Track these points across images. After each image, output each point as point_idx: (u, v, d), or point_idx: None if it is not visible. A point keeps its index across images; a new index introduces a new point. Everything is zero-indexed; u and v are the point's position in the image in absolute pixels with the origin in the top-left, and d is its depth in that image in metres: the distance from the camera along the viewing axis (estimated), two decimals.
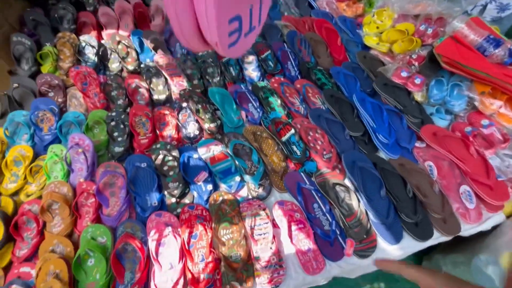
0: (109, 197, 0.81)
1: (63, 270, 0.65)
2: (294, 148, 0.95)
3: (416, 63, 1.10)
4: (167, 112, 1.03)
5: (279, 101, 1.08)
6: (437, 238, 0.80)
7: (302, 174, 0.88)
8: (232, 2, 0.32)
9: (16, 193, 0.83)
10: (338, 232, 0.77)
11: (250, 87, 1.14)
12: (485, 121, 0.92)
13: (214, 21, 0.31)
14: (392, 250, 0.78)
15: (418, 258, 1.17)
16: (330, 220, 0.79)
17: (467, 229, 0.82)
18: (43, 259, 0.67)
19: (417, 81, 1.03)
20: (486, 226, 0.82)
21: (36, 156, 0.91)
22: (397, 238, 0.78)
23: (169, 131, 1.00)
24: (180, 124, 1.01)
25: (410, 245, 0.79)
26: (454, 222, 0.80)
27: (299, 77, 1.20)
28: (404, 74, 1.06)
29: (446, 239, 0.80)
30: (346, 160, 0.89)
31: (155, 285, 0.65)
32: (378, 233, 0.79)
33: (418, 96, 1.05)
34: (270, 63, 1.21)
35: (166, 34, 1.28)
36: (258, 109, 1.07)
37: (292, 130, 0.97)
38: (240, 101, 1.08)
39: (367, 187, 0.84)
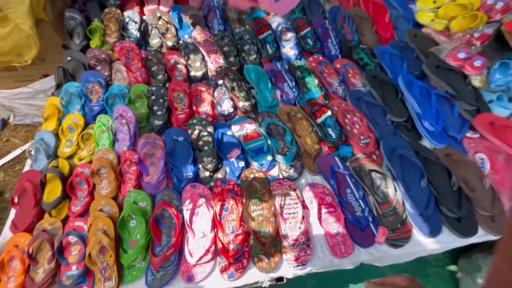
0: (149, 166, 0.87)
1: (109, 227, 0.73)
2: (330, 131, 0.92)
3: (478, 43, 0.97)
4: (203, 89, 1.05)
5: (316, 81, 1.03)
6: (482, 236, 0.74)
7: (336, 157, 0.86)
8: None
9: (70, 157, 0.93)
10: (370, 219, 0.75)
11: (286, 66, 1.11)
12: None
13: None
14: (428, 242, 0.74)
15: (455, 255, 1.10)
16: (363, 206, 0.77)
17: None
18: (93, 217, 0.75)
19: (477, 63, 0.92)
20: None
21: (86, 125, 0.99)
22: (434, 232, 0.74)
23: (205, 107, 1.02)
24: (215, 101, 1.03)
25: (449, 240, 0.74)
26: (503, 221, 0.73)
27: (339, 56, 1.13)
28: (461, 55, 0.94)
29: (492, 238, 0.74)
30: (385, 146, 0.84)
31: (189, 250, 0.70)
32: (414, 224, 0.75)
33: (476, 81, 0.93)
34: (309, 41, 1.15)
35: (204, 10, 1.27)
36: (294, 89, 1.04)
37: (329, 112, 0.94)
38: (276, 80, 1.06)
39: (406, 176, 0.79)
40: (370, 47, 1.11)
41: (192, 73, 1.12)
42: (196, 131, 0.93)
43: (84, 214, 0.80)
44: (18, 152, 1.61)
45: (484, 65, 0.91)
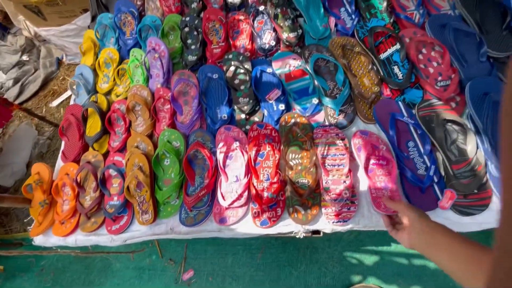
0: (182, 105, 0.82)
1: (145, 164, 0.72)
2: (396, 69, 0.73)
3: None
4: (241, 18, 0.90)
5: (384, 3, 0.80)
6: None
7: (400, 103, 0.69)
8: None
9: (108, 92, 0.92)
10: (435, 179, 0.61)
11: None
12: None
13: None
14: None
15: None
16: (428, 164, 0.62)
17: None
18: (130, 153, 0.75)
19: None
20: None
21: (122, 59, 0.95)
22: None
23: (243, 40, 0.88)
24: (255, 32, 0.88)
25: None
26: None
27: None
28: None
29: None
30: (472, 90, 0.64)
31: (221, 193, 0.67)
32: (496, 191, 0.59)
33: None
34: None
35: None
36: (353, 16, 0.82)
37: (397, 45, 0.73)
38: (330, 5, 0.85)
39: (497, 130, 0.60)
40: None
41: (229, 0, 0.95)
42: (232, 68, 0.82)
43: (122, 149, 0.81)
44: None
45: None
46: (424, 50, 0.72)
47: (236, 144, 0.72)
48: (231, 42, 0.89)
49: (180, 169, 0.72)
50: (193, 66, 0.89)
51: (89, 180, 0.77)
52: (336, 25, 0.83)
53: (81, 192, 0.75)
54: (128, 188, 0.70)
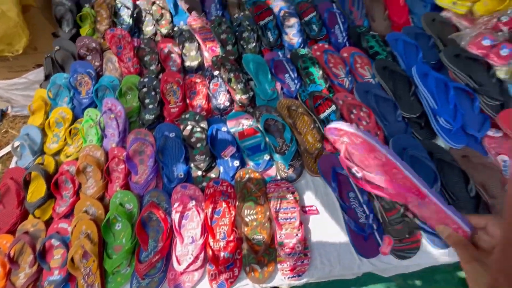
0: (138, 164, 0.82)
1: (93, 231, 0.68)
2: None
3: (506, 28, 0.85)
4: (198, 80, 0.98)
5: (320, 72, 0.94)
6: None
7: (339, 157, 0.78)
8: None
9: (57, 153, 0.88)
10: (375, 227, 0.68)
11: (288, 55, 1.02)
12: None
13: None
14: (438, 254, 0.67)
15: None
16: (367, 212, 0.70)
17: None
18: (77, 218, 0.70)
19: (504, 52, 0.81)
20: None
21: (75, 119, 0.94)
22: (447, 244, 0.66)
23: (199, 100, 0.95)
24: (210, 94, 0.95)
25: None
26: None
27: (347, 44, 1.03)
28: (486, 42, 0.84)
29: None
30: (394, 146, 0.76)
31: (176, 257, 0.65)
32: (424, 234, 0.68)
33: (502, 73, 0.83)
34: (314, 27, 1.05)
35: None
36: (296, 81, 0.95)
37: (333, 107, 0.85)
38: (276, 71, 0.97)
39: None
40: (382, 34, 1.00)
41: (187, 63, 1.04)
42: (189, 127, 0.86)
43: (69, 214, 0.76)
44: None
45: None
46: (354, 111, 0.85)
47: (192, 203, 0.73)
48: (188, 102, 0.95)
49: (133, 233, 0.69)
50: (150, 125, 0.91)
51: (25, 254, 0.69)
52: (282, 88, 0.95)
53: (13, 268, 0.67)
54: (72, 259, 0.65)
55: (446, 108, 0.80)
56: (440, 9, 1.04)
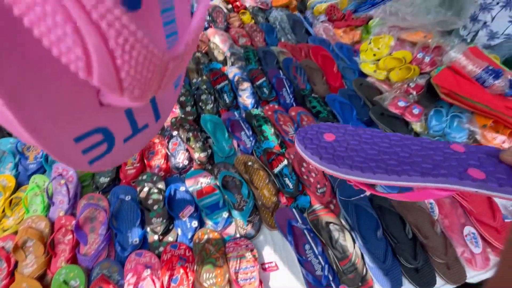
0: (88, 233, 0.77)
1: None
2: (287, 181, 0.91)
3: (414, 92, 1.07)
4: (156, 140, 1.01)
5: (272, 130, 1.05)
6: (441, 286, 0.73)
7: (294, 210, 0.83)
8: (74, 116, 0.20)
9: None
10: (331, 278, 0.71)
11: (243, 115, 1.12)
12: None
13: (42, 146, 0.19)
14: None
15: None
16: (323, 263, 0.73)
17: (474, 276, 0.75)
18: None
19: (415, 111, 1.00)
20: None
21: (19, 186, 0.88)
22: (395, 285, 0.71)
23: (158, 161, 0.97)
24: (169, 153, 0.98)
25: None
26: (459, 268, 0.74)
27: (294, 104, 1.17)
28: (401, 103, 1.03)
29: (451, 287, 0.73)
30: (340, 195, 0.84)
31: None
32: (375, 279, 0.72)
33: (417, 127, 1.01)
34: (265, 90, 1.19)
35: None
36: (251, 138, 1.04)
37: (285, 161, 0.93)
38: (233, 130, 1.05)
39: (362, 226, 0.78)
40: (322, 95, 1.17)
41: None
42: (146, 189, 0.86)
43: None
44: None
45: (422, 112, 0.99)
46: (304, 164, 0.94)
47: (147, 272, 0.69)
48: (146, 163, 0.96)
49: None
50: (104, 188, 0.89)
51: None
52: (238, 145, 1.02)
53: None
54: None
55: None
56: (365, 75, 1.27)
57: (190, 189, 0.87)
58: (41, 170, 0.92)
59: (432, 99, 1.02)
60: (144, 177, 0.88)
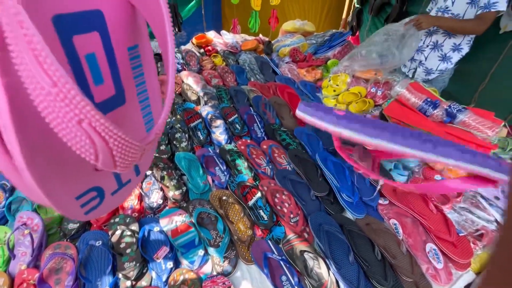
0: (53, 286, 0.72)
1: None
2: (261, 213, 0.93)
3: None
4: None
5: (246, 163, 1.09)
6: None
7: (269, 242, 0.85)
8: (77, 181, 0.26)
9: None
10: None
11: (217, 150, 1.16)
12: (437, 177, 0.97)
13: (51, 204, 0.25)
14: None
15: None
16: None
17: None
18: None
19: None
20: (458, 286, 0.80)
21: None
22: None
23: (131, 201, 0.96)
24: (143, 193, 0.98)
25: None
26: (426, 285, 0.78)
27: (265, 138, 1.25)
28: None
29: None
30: (312, 223, 0.88)
31: None
32: None
33: None
34: (237, 126, 1.26)
35: None
36: (225, 173, 1.07)
37: (259, 194, 0.97)
38: (207, 165, 1.08)
39: (335, 252, 0.81)
40: (290, 129, 1.26)
41: None
42: (118, 232, 0.84)
43: None
44: None
45: None
46: (277, 195, 0.98)
47: None
48: (119, 205, 0.94)
49: None
50: (73, 235, 0.85)
51: None
52: (213, 181, 1.04)
53: None
54: None
55: (345, 185, 0.99)
56: None
57: (165, 229, 0.86)
58: (2, 220, 0.87)
59: None
60: (117, 219, 0.86)
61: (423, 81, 1.33)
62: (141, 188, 0.99)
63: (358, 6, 2.23)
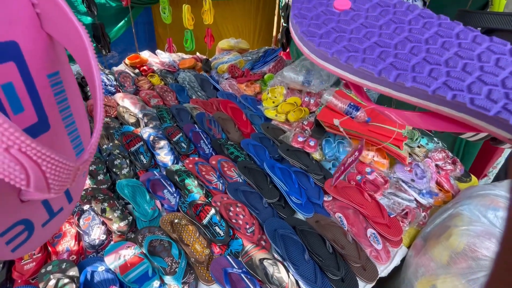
0: None
1: None
2: (217, 229, 0.92)
3: (308, 128, 1.31)
4: None
5: (195, 181, 1.07)
6: (363, 287, 0.84)
7: (228, 257, 0.84)
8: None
9: None
10: None
11: (164, 173, 1.11)
12: (368, 169, 1.12)
13: None
14: None
15: None
16: None
17: (383, 270, 0.90)
18: None
19: (311, 143, 1.21)
20: (396, 261, 0.93)
21: None
22: None
23: (66, 243, 0.84)
24: (81, 231, 0.87)
25: None
26: (372, 267, 0.88)
27: (213, 154, 1.25)
28: (300, 139, 1.23)
29: (371, 286, 0.85)
30: (267, 230, 0.91)
31: None
32: None
33: (316, 155, 1.22)
34: (183, 144, 1.24)
35: None
36: (175, 195, 1.03)
37: (212, 210, 0.96)
38: (154, 190, 1.03)
39: (291, 254, 0.85)
40: (237, 141, 1.29)
41: None
42: (52, 282, 0.72)
43: None
44: None
45: (316, 143, 1.22)
46: (231, 209, 0.99)
47: None
48: (51, 250, 0.81)
49: None
50: None
51: None
52: (162, 205, 0.99)
53: None
54: None
55: (293, 188, 1.06)
56: (270, 119, 1.48)
57: (112, 266, 0.78)
58: None
59: (322, 131, 1.27)
60: (49, 268, 0.74)
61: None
62: (78, 225, 0.88)
63: (285, 25, 2.46)
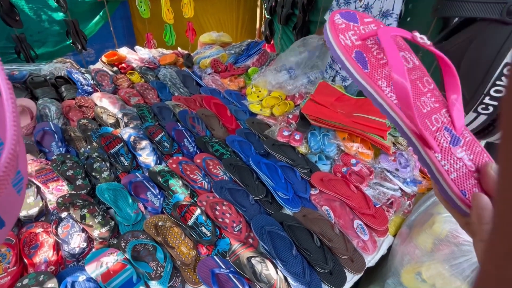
0: None
1: None
2: (203, 229, 0.90)
3: (293, 122, 1.30)
4: (39, 230, 0.84)
5: (180, 182, 1.04)
6: (351, 278, 0.85)
7: (215, 257, 0.83)
8: None
9: None
10: None
11: (147, 174, 1.08)
12: (353, 161, 1.12)
13: None
14: None
15: None
16: None
17: (371, 260, 0.91)
18: None
19: (297, 137, 1.20)
20: (382, 251, 0.94)
21: None
22: None
23: (44, 254, 0.80)
24: (59, 240, 0.83)
25: None
26: (359, 258, 0.88)
27: (197, 152, 1.22)
28: (285, 133, 1.22)
29: (359, 276, 0.86)
30: (254, 227, 0.89)
31: None
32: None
33: (302, 149, 1.21)
34: (166, 144, 1.20)
35: (36, 135, 1.12)
36: (159, 196, 1.00)
37: (198, 210, 0.94)
38: (137, 192, 0.99)
39: (279, 250, 0.84)
40: (222, 138, 1.27)
41: (23, 213, 0.89)
42: None
43: None
44: None
45: (302, 137, 1.21)
46: (217, 207, 0.97)
47: None
48: (28, 262, 0.77)
49: None
50: None
51: None
52: (146, 208, 0.96)
53: None
54: None
55: (280, 183, 1.05)
56: (254, 114, 1.46)
57: (93, 275, 0.75)
58: None
59: (307, 125, 1.26)
60: (25, 281, 0.71)
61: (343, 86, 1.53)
62: (56, 234, 0.84)
63: (268, 17, 2.41)
